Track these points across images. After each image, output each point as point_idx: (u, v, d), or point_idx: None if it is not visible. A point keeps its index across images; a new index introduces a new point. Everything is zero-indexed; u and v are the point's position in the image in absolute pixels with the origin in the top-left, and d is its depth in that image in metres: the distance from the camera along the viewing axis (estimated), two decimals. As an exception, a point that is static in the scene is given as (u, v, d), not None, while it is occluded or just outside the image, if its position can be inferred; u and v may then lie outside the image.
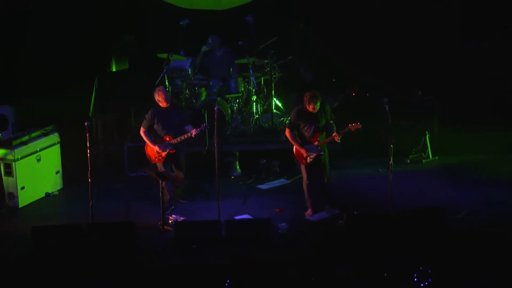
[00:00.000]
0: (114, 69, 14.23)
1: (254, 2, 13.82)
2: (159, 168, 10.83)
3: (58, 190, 11.84)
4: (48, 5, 13.17)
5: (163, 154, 10.76)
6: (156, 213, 10.36)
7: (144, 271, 9.03)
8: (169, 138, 10.75)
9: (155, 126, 10.83)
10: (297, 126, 10.47)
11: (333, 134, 10.31)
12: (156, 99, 10.80)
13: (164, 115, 10.79)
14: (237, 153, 12.44)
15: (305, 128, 10.41)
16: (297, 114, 10.44)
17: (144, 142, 10.93)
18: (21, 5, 13.20)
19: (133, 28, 14.09)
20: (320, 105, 10.29)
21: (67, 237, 9.37)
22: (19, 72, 13.36)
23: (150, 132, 10.86)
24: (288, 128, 10.52)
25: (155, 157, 10.83)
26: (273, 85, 13.07)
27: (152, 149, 10.83)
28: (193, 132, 10.63)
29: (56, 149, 11.84)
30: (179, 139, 10.71)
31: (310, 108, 10.28)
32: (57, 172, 11.87)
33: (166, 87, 12.62)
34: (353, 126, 10.27)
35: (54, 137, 11.83)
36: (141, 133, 10.88)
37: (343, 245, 9.39)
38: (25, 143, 11.38)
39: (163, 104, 10.77)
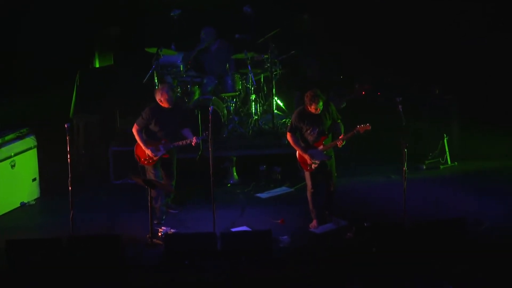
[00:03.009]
0: (97, 65, 14.22)
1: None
2: (148, 171, 10.84)
3: (34, 200, 11.84)
4: (46, 4, 13.19)
5: (155, 158, 10.75)
6: (144, 225, 10.35)
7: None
8: (165, 141, 10.74)
9: (152, 126, 10.80)
10: (299, 130, 10.44)
11: (340, 137, 10.29)
12: (157, 99, 10.77)
13: (164, 116, 10.78)
14: (234, 158, 12.44)
15: (308, 131, 10.37)
16: (298, 117, 10.41)
17: (131, 145, 10.91)
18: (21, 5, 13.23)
19: (130, 25, 14.11)
20: (323, 104, 10.26)
21: (45, 252, 9.34)
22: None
23: (143, 132, 10.84)
24: (289, 132, 10.50)
25: (145, 159, 10.82)
26: (274, 82, 13.07)
27: (143, 150, 10.81)
28: (194, 140, 10.64)
29: (33, 153, 11.83)
30: (176, 145, 10.73)
31: (312, 109, 10.24)
32: (34, 180, 11.86)
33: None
34: (362, 127, 10.22)
35: (30, 141, 11.81)
36: (134, 130, 10.85)
37: (352, 260, 9.39)
38: (-3, 147, 11.40)
39: (165, 104, 10.74)
